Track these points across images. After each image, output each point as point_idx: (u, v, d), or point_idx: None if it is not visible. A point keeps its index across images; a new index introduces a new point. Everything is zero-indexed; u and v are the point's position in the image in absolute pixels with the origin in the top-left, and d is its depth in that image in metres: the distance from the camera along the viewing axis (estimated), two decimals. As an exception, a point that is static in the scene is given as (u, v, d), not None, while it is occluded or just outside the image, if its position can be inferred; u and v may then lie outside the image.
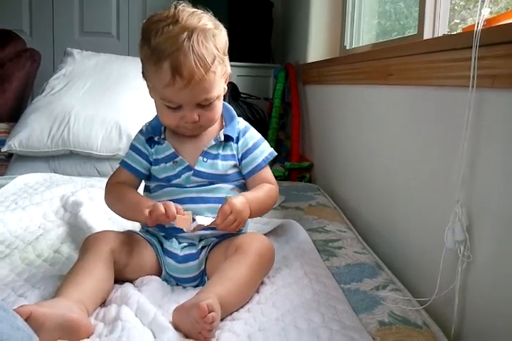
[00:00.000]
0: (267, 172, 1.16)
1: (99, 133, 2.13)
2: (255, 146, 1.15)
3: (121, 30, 3.40)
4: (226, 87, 1.11)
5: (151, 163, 1.13)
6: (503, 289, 0.89)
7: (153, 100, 1.10)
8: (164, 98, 1.03)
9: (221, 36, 1.05)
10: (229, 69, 1.09)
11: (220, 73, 1.04)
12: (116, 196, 1.11)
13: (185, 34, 0.98)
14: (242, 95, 2.88)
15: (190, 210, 1.02)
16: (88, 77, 2.40)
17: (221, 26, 1.06)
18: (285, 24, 3.22)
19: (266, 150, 1.16)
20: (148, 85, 1.10)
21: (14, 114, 2.63)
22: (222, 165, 1.11)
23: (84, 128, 2.13)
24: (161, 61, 0.98)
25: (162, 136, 1.13)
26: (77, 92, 2.31)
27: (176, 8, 1.02)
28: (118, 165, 1.16)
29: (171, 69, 0.97)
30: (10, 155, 2.24)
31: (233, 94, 2.76)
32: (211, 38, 1.01)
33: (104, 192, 1.14)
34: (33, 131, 2.14)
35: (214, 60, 1.01)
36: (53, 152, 2.13)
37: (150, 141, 1.13)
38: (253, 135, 1.17)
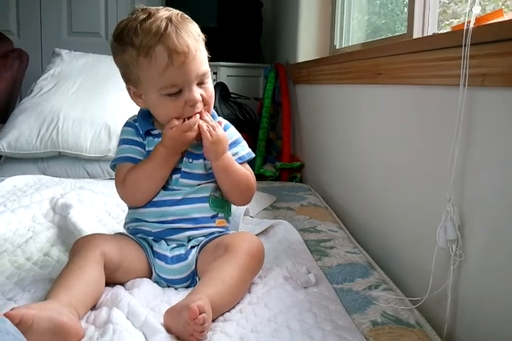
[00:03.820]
0: (247, 166, 1.15)
1: (89, 135, 2.12)
2: (236, 143, 1.15)
3: (110, 31, 3.34)
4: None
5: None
6: (494, 288, 0.90)
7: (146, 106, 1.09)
8: (165, 85, 1.01)
9: (194, 23, 1.07)
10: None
11: (205, 52, 1.06)
12: (132, 178, 1.07)
13: (165, 20, 1.01)
14: (232, 95, 2.87)
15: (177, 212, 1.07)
16: (77, 78, 2.38)
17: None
18: (274, 24, 3.21)
19: (246, 148, 1.16)
20: (134, 94, 1.09)
21: (2, 115, 2.60)
22: (207, 164, 1.10)
23: (74, 130, 2.12)
24: (153, 48, 0.99)
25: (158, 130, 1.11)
26: (65, 93, 2.30)
27: (138, 9, 1.05)
28: (109, 167, 1.15)
29: (167, 50, 0.98)
30: (-2, 157, 2.22)
31: (223, 94, 2.76)
32: (186, 20, 1.05)
33: (120, 194, 1.11)
34: (22, 132, 2.12)
35: (199, 35, 1.04)
36: (42, 153, 2.11)
37: (146, 134, 1.11)
38: (233, 133, 1.16)
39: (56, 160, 2.15)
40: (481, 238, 0.93)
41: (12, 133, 2.12)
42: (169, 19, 1.01)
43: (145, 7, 1.05)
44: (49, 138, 2.10)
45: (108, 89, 2.28)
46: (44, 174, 2.06)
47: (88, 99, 2.25)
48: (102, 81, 2.35)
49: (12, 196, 1.65)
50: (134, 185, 1.08)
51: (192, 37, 1.01)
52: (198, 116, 1.04)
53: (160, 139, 1.08)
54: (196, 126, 1.03)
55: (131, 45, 1.01)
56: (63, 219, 1.41)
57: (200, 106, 1.04)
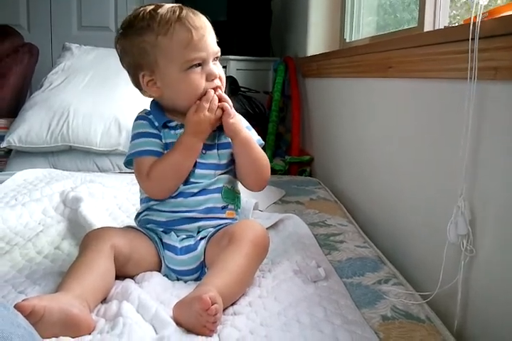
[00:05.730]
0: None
1: (99, 129, 2.12)
2: (248, 128, 1.16)
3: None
4: None
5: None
6: (505, 283, 0.89)
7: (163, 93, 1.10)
8: (187, 58, 1.04)
9: None
10: None
11: None
12: (158, 172, 1.06)
13: (177, 8, 1.08)
14: (242, 89, 2.87)
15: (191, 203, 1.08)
16: (87, 72, 2.39)
17: None
18: (284, 17, 3.20)
19: (256, 135, 1.18)
20: (148, 83, 1.08)
21: (13, 110, 2.62)
22: (221, 154, 1.11)
23: (84, 124, 2.13)
24: (173, 26, 1.04)
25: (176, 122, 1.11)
26: (75, 87, 2.30)
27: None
28: (123, 163, 1.14)
29: (187, 26, 1.04)
30: (9, 151, 2.24)
31: (233, 88, 2.75)
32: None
33: (145, 189, 1.10)
34: (32, 126, 2.13)
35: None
36: (53, 147, 2.12)
37: (163, 126, 1.11)
38: (242, 121, 1.16)
39: (66, 154, 2.16)
40: (492, 233, 0.93)
41: (22, 128, 2.13)
42: (181, 7, 1.08)
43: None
44: (59, 133, 2.11)
45: (118, 83, 2.28)
46: (54, 168, 2.07)
47: (98, 93, 2.26)
48: (112, 75, 2.35)
49: (23, 190, 1.66)
50: (160, 179, 1.07)
51: (203, 17, 1.08)
52: (212, 92, 1.06)
53: (177, 131, 1.09)
54: (216, 107, 1.06)
55: (148, 28, 1.05)
56: (74, 213, 1.42)
57: (218, 82, 1.08)
